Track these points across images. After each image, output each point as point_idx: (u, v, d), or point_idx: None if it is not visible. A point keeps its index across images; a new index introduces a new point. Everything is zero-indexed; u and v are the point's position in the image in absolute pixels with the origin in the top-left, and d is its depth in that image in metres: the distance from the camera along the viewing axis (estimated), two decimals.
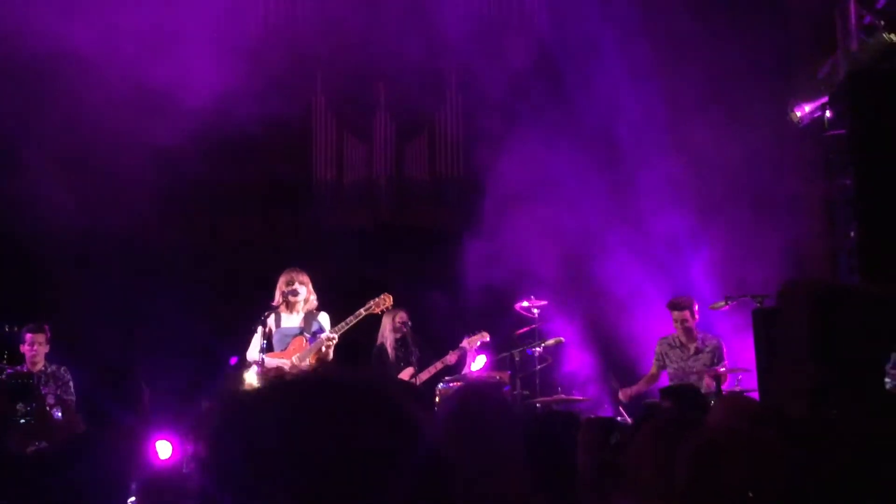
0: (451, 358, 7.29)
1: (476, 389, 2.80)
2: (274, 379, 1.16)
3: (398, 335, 7.39)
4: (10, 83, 7.73)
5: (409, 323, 7.30)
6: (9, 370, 6.84)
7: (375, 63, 9.24)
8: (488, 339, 7.40)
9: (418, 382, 7.16)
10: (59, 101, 7.92)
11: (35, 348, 6.95)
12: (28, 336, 6.97)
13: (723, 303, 6.86)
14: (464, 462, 2.40)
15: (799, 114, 7.27)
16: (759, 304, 6.28)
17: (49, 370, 6.99)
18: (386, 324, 7.41)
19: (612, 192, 8.50)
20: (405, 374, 7.33)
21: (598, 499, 3.09)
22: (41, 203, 8.09)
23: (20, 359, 7.11)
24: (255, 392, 1.14)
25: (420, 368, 7.19)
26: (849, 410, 1.36)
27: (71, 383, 7.00)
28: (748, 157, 8.12)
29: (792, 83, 7.71)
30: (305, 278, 6.72)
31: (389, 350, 7.49)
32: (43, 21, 7.44)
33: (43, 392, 6.93)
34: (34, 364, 6.94)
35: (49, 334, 7.03)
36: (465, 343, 7.36)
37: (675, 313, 7.01)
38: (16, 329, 8.08)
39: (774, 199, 8.05)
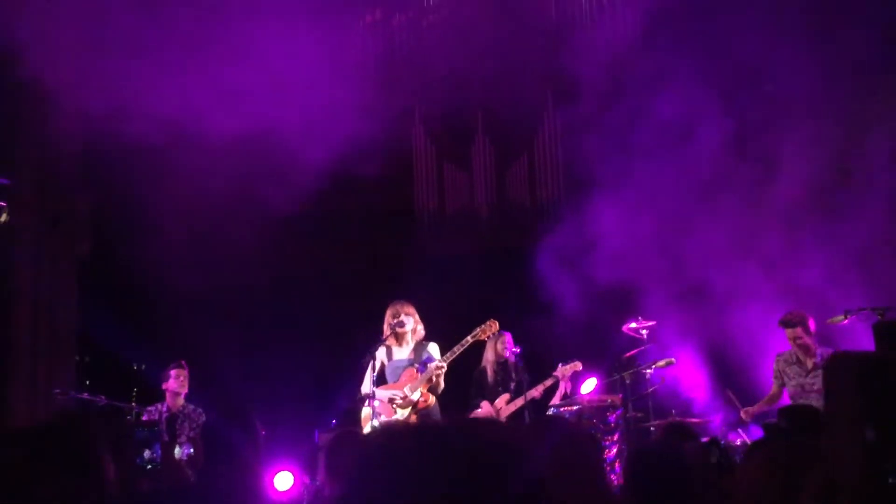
0: (536, 392, 7.25)
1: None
2: (418, 427, 1.23)
3: (500, 359, 7.43)
4: (141, 152, 8.13)
5: (515, 349, 7.31)
6: (148, 411, 7.16)
7: (472, 89, 9.34)
8: (581, 368, 7.33)
9: (505, 414, 7.21)
10: (176, 157, 8.31)
11: (181, 381, 7.20)
12: (173, 371, 7.22)
13: (842, 317, 6.53)
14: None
15: None
16: (880, 318, 5.99)
17: (186, 410, 7.22)
18: (489, 347, 7.46)
19: (721, 205, 8.27)
20: (501, 401, 7.37)
21: None
22: (165, 249, 8.51)
23: (149, 397, 7.46)
24: (400, 437, 1.19)
25: (514, 397, 7.24)
26: None
27: (203, 424, 7.14)
28: (868, 159, 7.79)
29: None
30: (411, 309, 6.82)
31: (489, 373, 7.55)
32: (158, 91, 7.87)
33: (178, 431, 7.19)
34: (176, 399, 7.19)
35: (187, 370, 7.27)
36: (557, 372, 7.33)
37: (788, 331, 6.72)
38: (143, 367, 8.49)
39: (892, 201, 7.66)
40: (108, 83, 7.88)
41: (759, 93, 8.37)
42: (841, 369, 1.45)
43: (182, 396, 7.24)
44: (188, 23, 8.21)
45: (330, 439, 4.15)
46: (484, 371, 7.57)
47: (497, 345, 7.40)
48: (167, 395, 7.25)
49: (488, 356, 7.53)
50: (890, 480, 1.33)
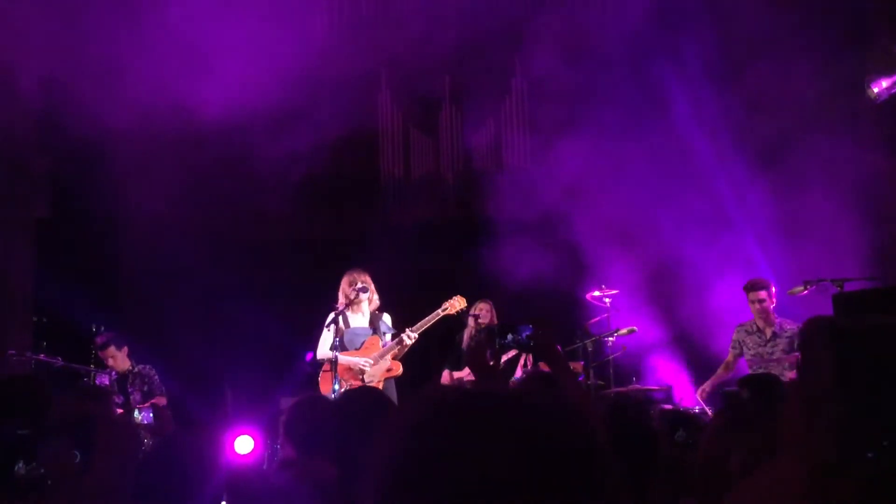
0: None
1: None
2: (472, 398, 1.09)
3: (474, 327, 7.45)
4: (101, 115, 7.97)
5: (483, 316, 7.29)
6: (100, 376, 7.18)
7: (440, 56, 9.22)
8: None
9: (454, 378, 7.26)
10: (139, 123, 8.16)
11: (108, 361, 7.32)
12: (100, 354, 7.39)
13: (801, 287, 6.64)
14: None
15: (876, 89, 7.00)
16: (839, 290, 6.08)
17: (136, 370, 7.34)
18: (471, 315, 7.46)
19: (685, 179, 8.31)
20: (468, 369, 7.40)
21: (666, 498, 3.03)
22: (125, 212, 8.38)
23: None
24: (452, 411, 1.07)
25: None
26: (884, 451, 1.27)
27: (156, 378, 7.32)
28: (825, 136, 7.86)
29: (868, 58, 7.42)
30: (367, 278, 6.82)
31: (465, 339, 7.55)
32: (117, 60, 7.73)
33: (129, 391, 7.23)
34: (116, 370, 7.31)
35: (112, 344, 7.32)
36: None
37: (752, 294, 6.79)
38: (103, 329, 8.43)
39: (852, 177, 7.75)
40: (67, 47, 7.69)
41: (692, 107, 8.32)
42: (816, 335, 1.42)
43: (120, 366, 7.31)
44: None
45: (292, 405, 4.09)
46: (461, 337, 7.58)
47: (471, 312, 7.37)
48: None
49: (468, 324, 7.54)
50: (869, 456, 1.31)
